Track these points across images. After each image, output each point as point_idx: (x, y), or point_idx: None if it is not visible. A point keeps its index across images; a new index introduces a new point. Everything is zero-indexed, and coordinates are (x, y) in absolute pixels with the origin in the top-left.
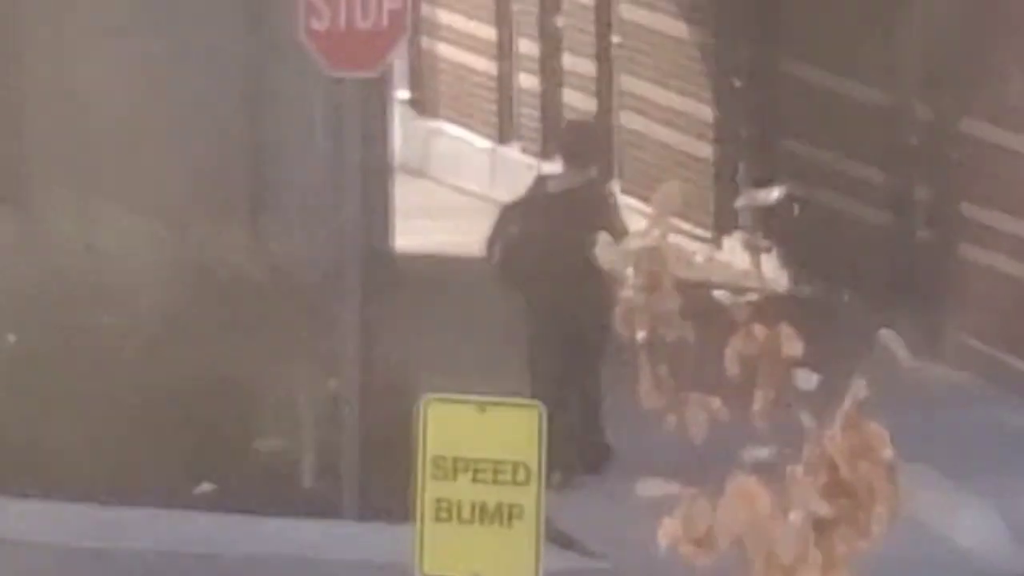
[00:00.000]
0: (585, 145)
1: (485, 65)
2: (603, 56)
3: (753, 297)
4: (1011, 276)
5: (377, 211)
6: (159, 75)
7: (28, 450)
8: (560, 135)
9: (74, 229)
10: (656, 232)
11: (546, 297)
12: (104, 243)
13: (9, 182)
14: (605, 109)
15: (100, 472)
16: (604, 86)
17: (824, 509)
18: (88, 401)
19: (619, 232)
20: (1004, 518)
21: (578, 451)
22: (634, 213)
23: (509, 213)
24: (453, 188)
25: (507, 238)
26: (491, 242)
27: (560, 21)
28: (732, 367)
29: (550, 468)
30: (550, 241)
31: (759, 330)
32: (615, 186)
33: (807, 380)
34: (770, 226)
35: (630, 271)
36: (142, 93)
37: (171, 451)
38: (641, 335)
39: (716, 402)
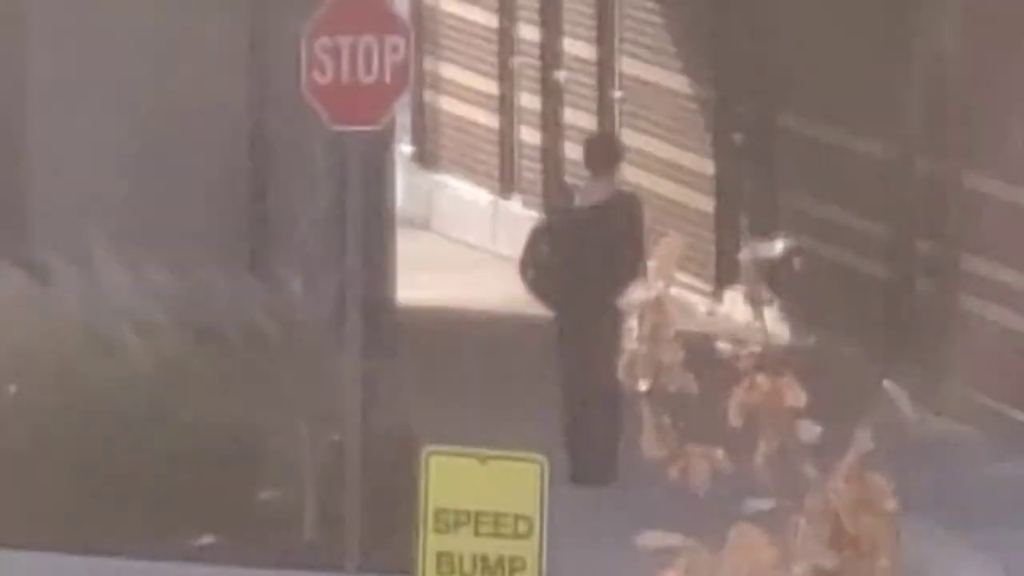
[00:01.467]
0: (609, 156)
1: (487, 119)
2: (604, 110)
3: (755, 349)
4: (1012, 328)
5: (379, 263)
6: (163, 126)
7: (28, 501)
8: (585, 148)
9: (76, 282)
10: (659, 284)
11: (577, 314)
12: (105, 295)
13: (12, 237)
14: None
15: (101, 523)
16: None
17: (828, 561)
18: (89, 452)
19: (643, 249)
20: (1006, 570)
21: (595, 460)
22: None
23: (540, 233)
24: (455, 241)
25: (539, 257)
26: (524, 263)
27: (561, 76)
28: (735, 418)
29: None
30: (581, 259)
31: (762, 381)
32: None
33: (810, 431)
34: (772, 279)
35: (634, 323)
36: (145, 144)
37: (172, 503)
38: (644, 386)
39: (719, 453)
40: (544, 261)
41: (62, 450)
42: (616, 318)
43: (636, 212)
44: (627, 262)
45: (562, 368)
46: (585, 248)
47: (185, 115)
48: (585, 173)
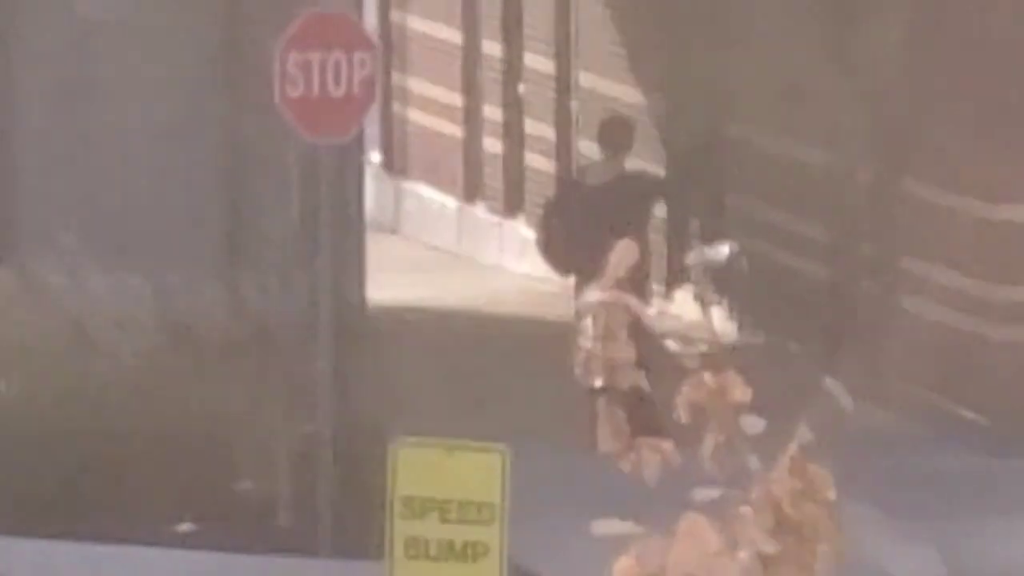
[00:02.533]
0: (619, 137)
1: (451, 129)
2: (562, 121)
3: (703, 347)
4: (949, 326)
5: (350, 266)
6: (140, 138)
7: (18, 491)
8: (598, 129)
9: (61, 284)
10: (613, 287)
11: (588, 282)
12: (89, 297)
13: (4, 242)
14: (564, 171)
15: (87, 512)
16: (563, 149)
17: (771, 547)
18: (75, 445)
19: (646, 218)
20: (943, 557)
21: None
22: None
23: (552, 206)
24: (422, 244)
25: (550, 229)
26: (539, 237)
27: (522, 88)
28: (683, 413)
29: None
30: (591, 230)
31: (708, 378)
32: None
33: (754, 425)
34: (719, 280)
35: (588, 323)
36: (124, 156)
37: (154, 492)
38: (599, 383)
39: (669, 446)
40: (556, 235)
41: (48, 442)
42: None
43: (643, 190)
44: (635, 237)
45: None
46: (595, 223)
47: (166, 128)
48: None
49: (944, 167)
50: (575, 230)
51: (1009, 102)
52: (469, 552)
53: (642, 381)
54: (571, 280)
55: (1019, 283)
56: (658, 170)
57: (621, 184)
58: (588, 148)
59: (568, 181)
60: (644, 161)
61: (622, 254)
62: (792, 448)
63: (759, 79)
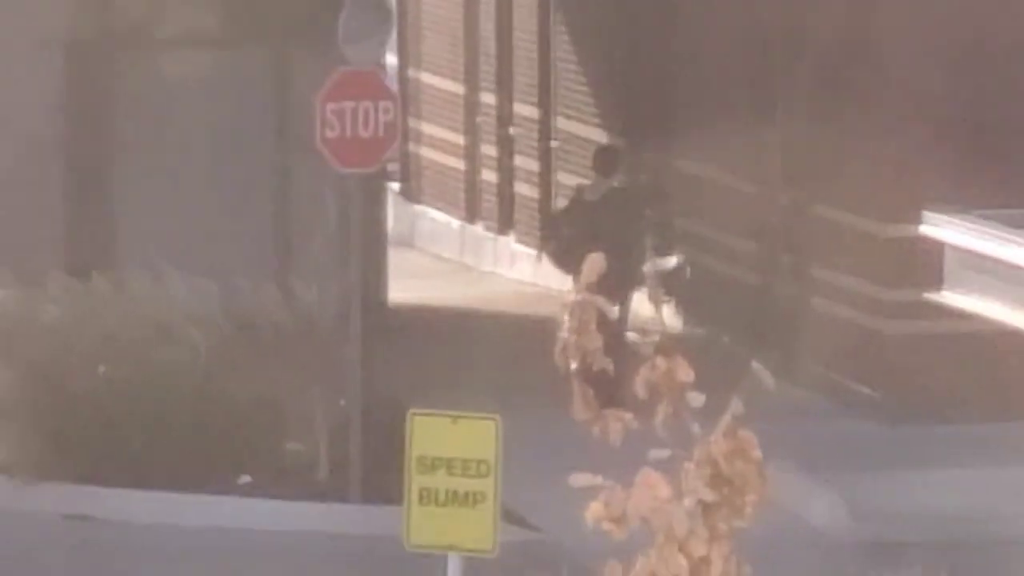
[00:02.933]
0: (608, 162)
1: (456, 163)
2: (544, 157)
3: (656, 338)
4: (849, 321)
5: (375, 273)
6: (211, 172)
7: (110, 450)
8: (592, 156)
9: (148, 289)
10: (585, 290)
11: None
12: (170, 298)
13: (103, 252)
14: (546, 197)
15: (170, 469)
16: (545, 179)
17: (709, 496)
18: (157, 414)
19: (640, 229)
20: (845, 502)
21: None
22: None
23: (558, 217)
24: (432, 256)
25: (559, 237)
26: (545, 239)
27: (512, 130)
28: (641, 390)
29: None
30: (592, 235)
31: (660, 362)
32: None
33: (696, 399)
34: (669, 284)
35: (566, 318)
36: (198, 186)
37: (220, 452)
38: (574, 366)
39: (629, 416)
40: (562, 239)
41: (138, 415)
42: (618, 282)
43: (628, 201)
44: (623, 241)
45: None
46: (594, 228)
47: (232, 164)
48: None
49: (845, 195)
50: (579, 235)
51: (896, 144)
52: (470, 499)
53: (608, 365)
54: (562, 283)
55: (904, 287)
56: (637, 189)
57: (611, 198)
58: (565, 178)
59: (572, 198)
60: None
61: (592, 265)
62: (727, 417)
63: (700, 119)
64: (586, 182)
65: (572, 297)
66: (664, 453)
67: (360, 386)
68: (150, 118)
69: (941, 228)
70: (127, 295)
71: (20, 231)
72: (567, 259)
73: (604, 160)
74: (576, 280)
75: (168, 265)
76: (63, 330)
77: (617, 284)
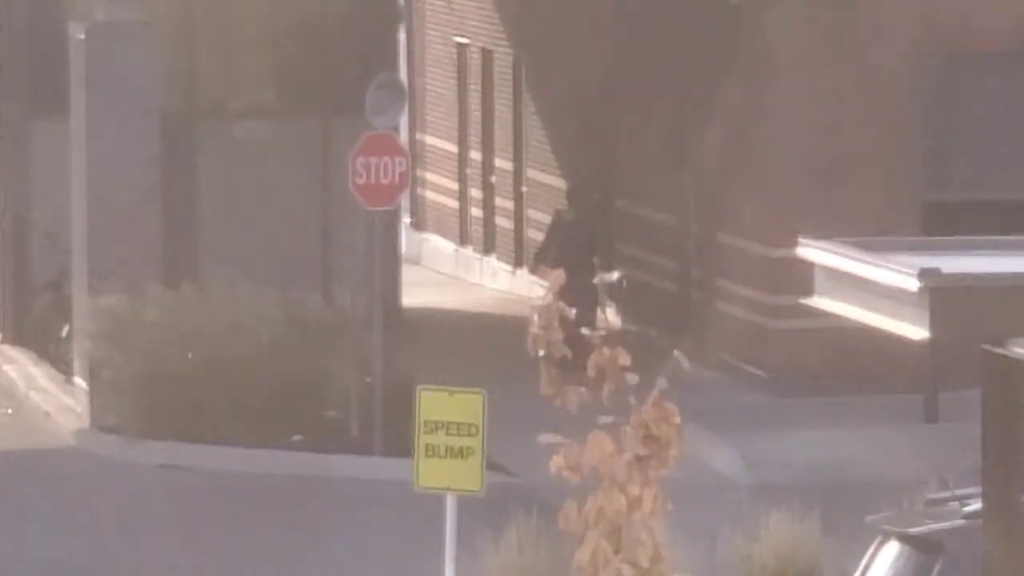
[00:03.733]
0: (579, 195)
1: (451, 203)
2: (518, 199)
3: (603, 332)
4: (745, 320)
5: (392, 284)
6: (273, 206)
7: (200, 418)
8: (567, 191)
9: (224, 292)
10: (549, 296)
11: (567, 272)
12: (241, 302)
13: (189, 265)
14: (519, 228)
15: (241, 429)
16: (519, 215)
17: (643, 451)
18: (233, 391)
19: (595, 245)
20: (741, 454)
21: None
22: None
23: (548, 235)
24: (434, 271)
25: (548, 248)
26: (543, 249)
27: (493, 179)
28: (591, 371)
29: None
30: (568, 246)
31: (606, 351)
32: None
33: (632, 379)
34: (612, 293)
35: (535, 317)
36: (263, 216)
37: (279, 418)
38: (541, 353)
39: (583, 391)
40: (550, 248)
41: (217, 389)
42: (587, 287)
43: (594, 229)
44: (590, 256)
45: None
46: (570, 242)
47: (289, 201)
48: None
49: (741, 226)
50: (560, 247)
51: (779, 189)
52: (463, 453)
53: (567, 352)
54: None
55: (784, 294)
56: (591, 218)
57: (581, 221)
58: (534, 214)
59: (555, 221)
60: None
61: (554, 278)
62: (654, 392)
63: (634, 167)
64: (561, 211)
65: (540, 302)
66: (609, 419)
67: (381, 368)
68: (225, 170)
69: (812, 251)
70: (208, 300)
71: (126, 252)
72: (551, 264)
73: (577, 194)
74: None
75: (239, 276)
76: (160, 326)
77: (583, 288)
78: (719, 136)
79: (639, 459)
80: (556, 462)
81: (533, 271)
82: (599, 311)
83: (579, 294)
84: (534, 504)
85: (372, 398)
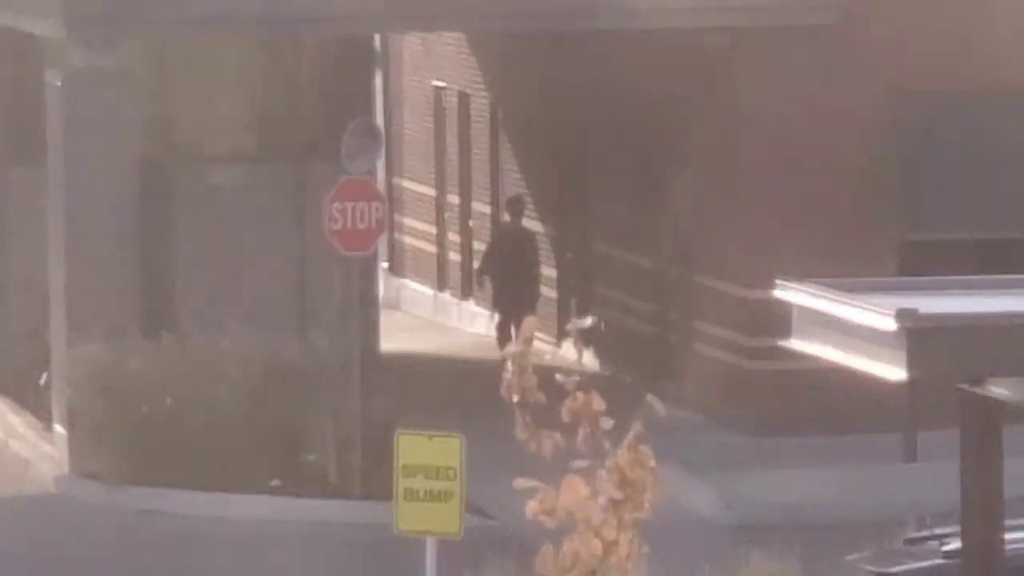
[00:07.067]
0: (517, 207)
1: (429, 247)
2: None
3: (577, 377)
4: (722, 360)
5: (370, 328)
6: (250, 255)
7: (179, 463)
8: (506, 202)
9: (203, 338)
10: (523, 342)
11: (508, 280)
12: (219, 348)
13: (167, 312)
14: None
15: (219, 474)
16: None
17: (618, 495)
18: (211, 436)
19: (536, 258)
20: (720, 494)
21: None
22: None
23: (490, 246)
24: (413, 316)
25: (490, 258)
26: (486, 260)
27: (471, 223)
28: (566, 416)
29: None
30: (510, 257)
31: (580, 395)
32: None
33: (607, 423)
34: (587, 337)
35: (509, 363)
36: (241, 262)
37: (258, 462)
38: (516, 399)
39: (557, 435)
40: (492, 258)
41: (196, 435)
42: (526, 292)
43: (532, 241)
44: (529, 268)
45: (503, 313)
46: (510, 254)
47: (266, 249)
48: None
49: (719, 268)
50: (501, 258)
51: (757, 232)
52: (442, 496)
53: (541, 398)
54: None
55: (762, 336)
56: (534, 232)
57: (520, 235)
58: None
59: (497, 233)
60: (546, 265)
61: (528, 326)
62: (629, 436)
63: (610, 210)
64: (502, 223)
65: (514, 348)
66: (584, 463)
67: (360, 412)
68: (202, 216)
69: (789, 292)
70: (186, 346)
71: (104, 299)
72: (490, 273)
73: (515, 205)
74: (498, 325)
75: (217, 322)
76: (139, 373)
77: (516, 302)
78: (696, 178)
79: (614, 503)
80: (532, 507)
81: (476, 281)
82: (578, 356)
83: (520, 306)
84: (512, 547)
85: (351, 443)
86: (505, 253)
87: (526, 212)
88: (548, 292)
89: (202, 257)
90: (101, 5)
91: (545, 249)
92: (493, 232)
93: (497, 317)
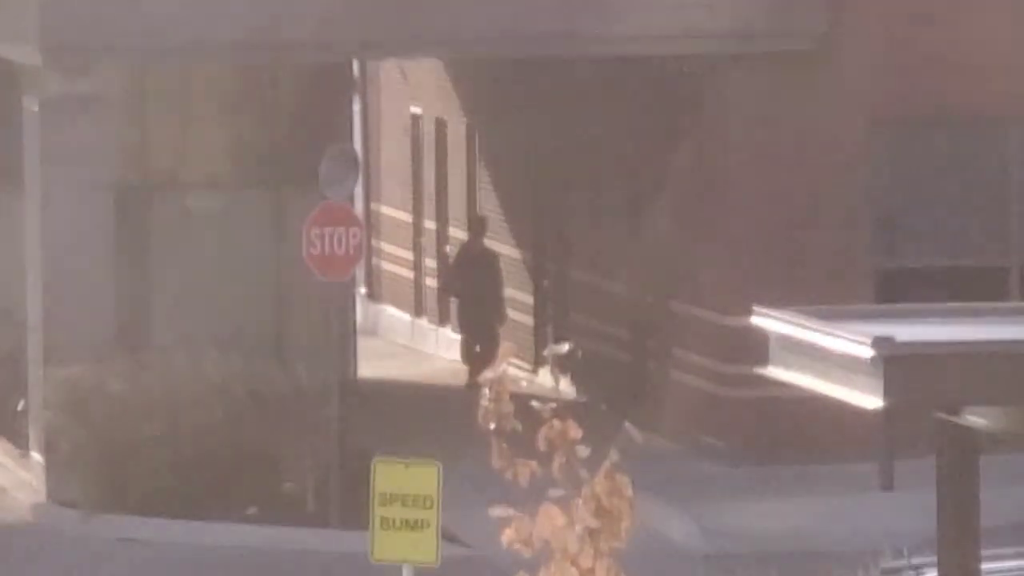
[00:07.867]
0: (478, 225)
1: (407, 273)
2: None
3: (554, 405)
4: (698, 388)
5: (348, 354)
6: (229, 279)
7: (157, 491)
8: (467, 220)
9: (182, 364)
10: (500, 369)
11: (471, 299)
12: (198, 371)
13: (144, 338)
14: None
15: (196, 502)
16: None
17: (594, 524)
18: (189, 463)
19: (500, 278)
20: (696, 523)
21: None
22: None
23: (453, 265)
24: (391, 343)
25: (452, 277)
26: (449, 278)
27: (448, 248)
28: (542, 444)
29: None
30: (472, 276)
31: (556, 423)
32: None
33: (583, 451)
34: (563, 364)
35: (486, 391)
36: (220, 288)
37: (234, 490)
38: (492, 427)
39: (533, 464)
40: (454, 277)
41: (173, 462)
42: (489, 311)
43: (495, 260)
44: (492, 285)
45: (467, 332)
46: (472, 270)
47: (243, 274)
48: None
49: (696, 296)
50: (463, 277)
51: (733, 260)
52: (419, 525)
53: (518, 426)
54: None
55: (739, 363)
56: (497, 252)
57: (482, 253)
58: None
59: (460, 251)
60: (521, 291)
61: (504, 352)
62: (606, 465)
63: (588, 240)
64: (469, 241)
65: (491, 375)
66: (560, 492)
67: (337, 439)
68: (179, 242)
69: (766, 320)
70: (163, 373)
71: (81, 326)
72: (453, 288)
73: (475, 223)
74: (493, 364)
75: (194, 349)
76: (116, 400)
77: (479, 322)
78: (672, 205)
79: (591, 532)
80: (508, 536)
81: (438, 301)
82: (555, 384)
83: (483, 325)
84: None
85: (328, 470)
86: (467, 272)
87: (488, 233)
88: (524, 319)
89: (179, 284)
90: (77, 32)
91: (522, 276)
92: (456, 251)
93: (461, 336)
